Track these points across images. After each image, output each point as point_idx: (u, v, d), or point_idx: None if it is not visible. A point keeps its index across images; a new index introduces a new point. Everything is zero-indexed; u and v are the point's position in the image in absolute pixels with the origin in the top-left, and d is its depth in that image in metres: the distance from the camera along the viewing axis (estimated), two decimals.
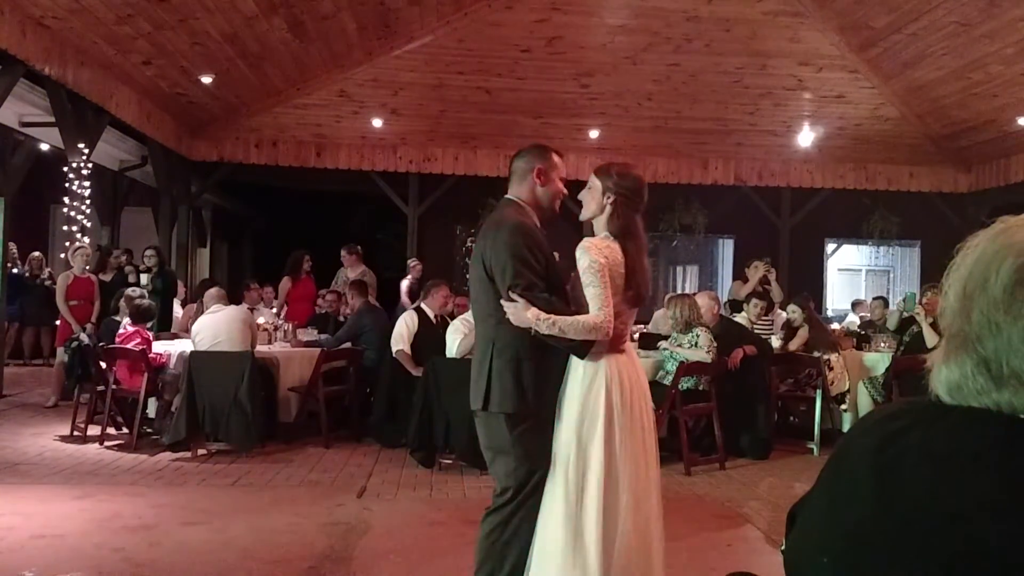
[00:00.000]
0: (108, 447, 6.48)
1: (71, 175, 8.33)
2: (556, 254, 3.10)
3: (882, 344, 7.81)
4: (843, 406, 7.24)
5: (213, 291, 6.93)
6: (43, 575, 3.79)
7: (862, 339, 8.14)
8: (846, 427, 7.13)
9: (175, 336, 7.99)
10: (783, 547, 1.08)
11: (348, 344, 7.30)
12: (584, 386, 2.88)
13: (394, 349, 6.75)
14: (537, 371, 2.93)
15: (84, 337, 7.36)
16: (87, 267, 8.29)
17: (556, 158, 3.16)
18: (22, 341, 11.07)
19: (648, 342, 7.07)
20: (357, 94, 10.57)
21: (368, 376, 7.27)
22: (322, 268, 9.89)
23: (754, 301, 7.77)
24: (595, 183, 3.02)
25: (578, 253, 2.90)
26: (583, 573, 2.76)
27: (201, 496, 5.22)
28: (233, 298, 7.37)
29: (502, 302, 2.88)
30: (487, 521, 3.00)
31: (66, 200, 8.44)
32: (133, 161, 11.96)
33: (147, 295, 7.55)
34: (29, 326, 11.08)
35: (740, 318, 7.63)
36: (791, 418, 7.76)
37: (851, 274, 15.02)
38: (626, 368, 2.95)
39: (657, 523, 2.92)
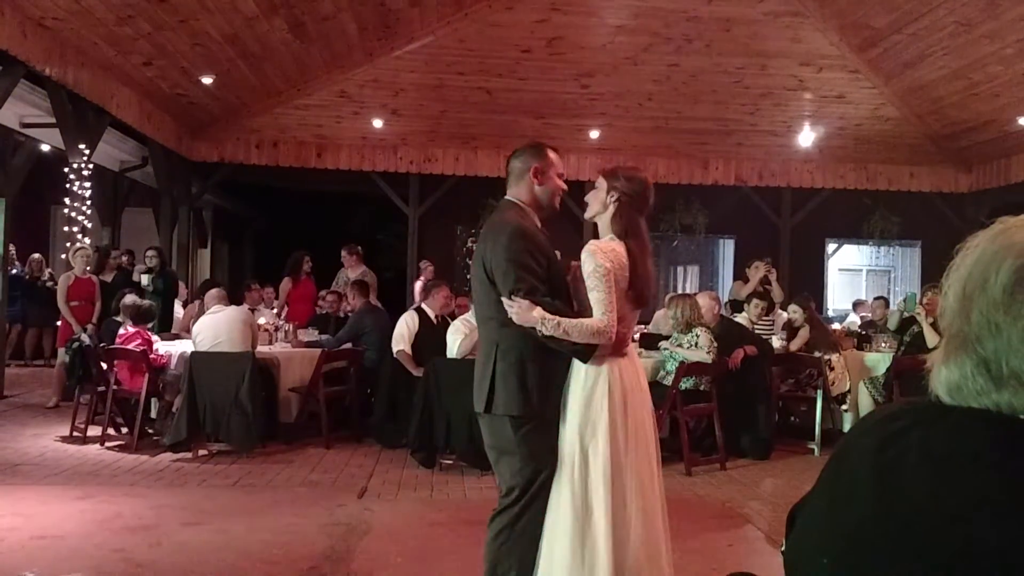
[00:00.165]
0: (109, 448, 6.49)
1: (72, 176, 8.33)
2: (558, 252, 3.09)
3: (883, 344, 7.81)
4: (844, 406, 7.24)
5: (214, 292, 6.93)
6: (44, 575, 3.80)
7: (863, 339, 8.14)
8: (847, 427, 7.13)
9: (176, 336, 7.99)
10: (783, 548, 1.08)
11: (349, 344, 7.31)
12: (587, 389, 2.88)
13: (395, 349, 6.76)
14: (541, 373, 2.91)
15: (85, 338, 7.37)
16: (88, 268, 8.29)
17: (552, 155, 3.13)
18: (24, 342, 11.08)
19: (649, 342, 7.07)
20: (358, 95, 10.57)
21: (369, 376, 7.27)
22: (322, 268, 9.89)
23: (755, 301, 7.77)
24: (601, 183, 3.03)
25: (584, 256, 2.90)
26: None
27: (202, 497, 5.23)
28: (234, 299, 7.37)
29: (504, 303, 2.87)
30: (495, 523, 2.96)
31: (67, 201, 8.44)
32: (134, 162, 11.96)
33: (146, 296, 7.55)
34: (31, 327, 11.09)
35: (741, 318, 7.63)
36: (792, 418, 7.76)
37: (852, 274, 15.01)
38: (628, 372, 2.95)
39: (665, 531, 2.92)
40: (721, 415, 6.33)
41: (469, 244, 12.88)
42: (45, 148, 10.12)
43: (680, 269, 14.64)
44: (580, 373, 2.91)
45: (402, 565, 4.07)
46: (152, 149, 10.58)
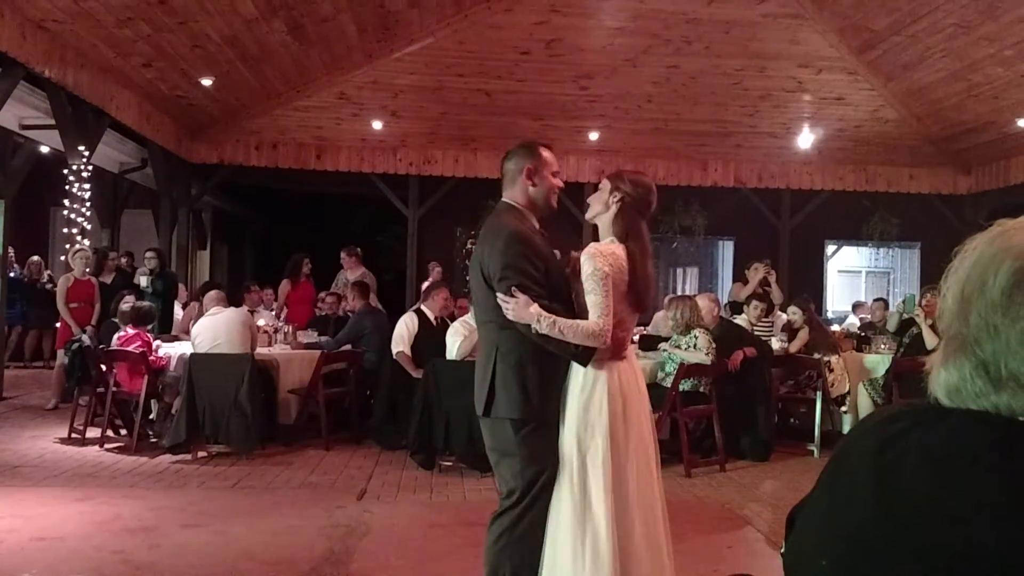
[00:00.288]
0: (108, 449, 6.48)
1: (71, 177, 8.33)
2: (557, 252, 3.09)
3: (882, 346, 7.81)
4: (843, 408, 7.24)
5: (213, 293, 6.93)
6: None
7: (862, 341, 8.14)
8: (846, 429, 7.13)
9: (175, 338, 7.99)
10: (783, 549, 1.08)
11: (348, 346, 7.31)
12: (586, 392, 2.88)
13: (394, 351, 6.76)
14: (541, 375, 2.91)
15: (85, 339, 7.36)
16: (87, 270, 8.29)
17: (546, 153, 3.09)
18: (23, 344, 11.07)
19: (648, 344, 7.07)
20: (357, 96, 10.58)
21: (368, 378, 7.27)
22: (322, 270, 9.89)
23: (754, 303, 7.78)
24: (605, 185, 3.04)
25: (583, 259, 2.90)
26: None
27: (201, 498, 5.22)
28: (233, 300, 7.37)
29: (499, 299, 2.86)
30: (495, 525, 2.93)
31: (66, 202, 8.44)
32: (133, 163, 11.97)
33: (145, 297, 7.55)
34: (31, 329, 11.09)
35: (740, 320, 7.63)
36: (791, 420, 7.76)
37: (851, 276, 15.02)
38: (627, 375, 2.95)
39: (665, 533, 2.92)
40: (720, 417, 6.33)
41: (469, 246, 12.88)
42: (44, 150, 10.13)
43: (679, 271, 14.65)
44: (579, 376, 2.91)
45: (401, 567, 4.06)
46: (151, 151, 10.59)
